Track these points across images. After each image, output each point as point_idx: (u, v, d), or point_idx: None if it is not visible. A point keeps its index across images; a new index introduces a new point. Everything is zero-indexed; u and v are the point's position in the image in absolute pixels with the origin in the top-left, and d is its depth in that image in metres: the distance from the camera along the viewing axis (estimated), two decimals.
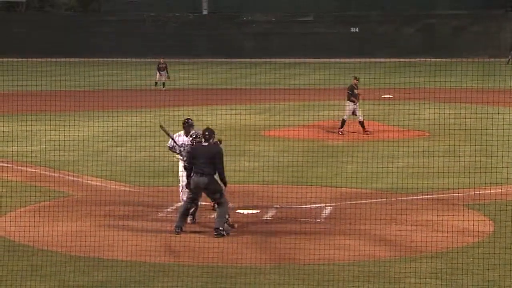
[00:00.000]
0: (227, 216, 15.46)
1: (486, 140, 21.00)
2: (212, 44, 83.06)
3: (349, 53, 76.48)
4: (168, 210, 17.34)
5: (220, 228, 15.14)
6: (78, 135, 25.75)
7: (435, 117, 23.27)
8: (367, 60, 60.33)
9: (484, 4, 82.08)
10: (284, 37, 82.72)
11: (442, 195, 18.62)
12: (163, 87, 48.24)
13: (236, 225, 15.80)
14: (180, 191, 16.88)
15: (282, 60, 74.33)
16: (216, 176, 15.31)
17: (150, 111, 33.27)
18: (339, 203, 17.98)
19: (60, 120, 26.16)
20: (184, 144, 16.64)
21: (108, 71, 48.46)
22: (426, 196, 18.48)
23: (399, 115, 23.31)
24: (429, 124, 24.71)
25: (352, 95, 28.72)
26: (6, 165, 22.58)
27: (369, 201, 18.10)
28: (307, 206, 17.53)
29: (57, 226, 15.50)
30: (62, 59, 70.95)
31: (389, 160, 22.00)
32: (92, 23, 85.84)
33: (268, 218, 16.71)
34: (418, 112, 23.02)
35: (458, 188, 18.86)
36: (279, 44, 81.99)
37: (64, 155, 22.59)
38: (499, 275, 12.90)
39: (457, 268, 13.17)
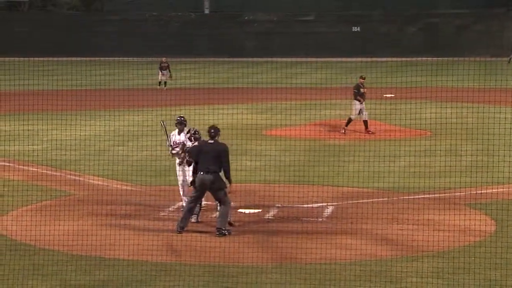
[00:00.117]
0: (229, 216, 15.46)
1: (488, 139, 20.99)
2: (214, 43, 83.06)
3: (351, 52, 76.50)
4: (170, 209, 17.35)
5: (222, 228, 15.13)
6: (80, 134, 25.75)
7: (437, 116, 23.23)
8: (369, 59, 60.31)
9: (486, 3, 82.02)
10: (285, 37, 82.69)
11: (443, 195, 18.61)
12: (165, 87, 48.24)
13: (236, 224, 15.79)
14: (180, 189, 16.91)
15: (284, 59, 74.32)
16: (221, 174, 15.27)
17: (152, 110, 33.29)
18: (341, 203, 17.98)
19: (61, 119, 26.18)
20: (178, 142, 16.67)
21: (110, 71, 48.44)
22: (428, 196, 18.47)
23: (400, 114, 23.28)
24: (430, 124, 24.67)
25: (358, 94, 28.71)
26: (8, 164, 22.59)
27: (371, 200, 18.10)
28: (308, 206, 17.52)
29: (59, 225, 15.51)
30: (64, 59, 71.13)
31: (391, 159, 21.98)
32: (94, 23, 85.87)
33: (269, 218, 16.71)
34: (420, 111, 22.98)
35: (460, 188, 18.85)
36: (281, 44, 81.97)
37: (65, 154, 22.60)
38: (501, 274, 12.90)
39: (459, 268, 13.16)
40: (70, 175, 21.17)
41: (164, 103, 31.95)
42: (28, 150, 24.05)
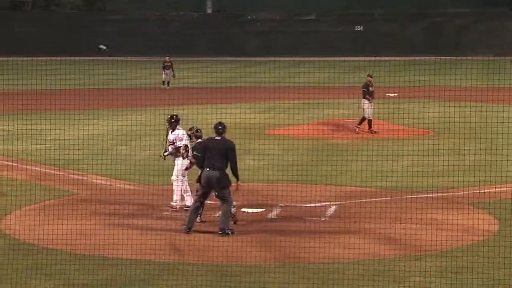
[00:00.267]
0: (232, 211, 15.44)
1: (491, 138, 20.96)
2: (216, 42, 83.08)
3: (353, 51, 76.43)
4: (173, 208, 17.33)
5: (226, 228, 15.11)
6: (83, 134, 25.77)
7: (440, 115, 23.22)
8: (371, 58, 60.20)
9: (488, 2, 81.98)
10: (288, 36, 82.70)
11: (447, 194, 18.60)
12: (168, 86, 48.24)
13: (239, 223, 15.77)
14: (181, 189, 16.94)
15: (286, 58, 74.28)
16: (227, 171, 15.19)
17: (155, 109, 33.23)
18: (344, 202, 17.97)
19: (64, 119, 26.16)
20: (170, 141, 16.73)
21: (113, 70, 48.48)
22: (431, 195, 18.45)
23: (403, 113, 23.28)
24: (433, 123, 24.66)
25: (367, 93, 28.70)
26: (11, 163, 22.61)
27: (374, 199, 18.09)
28: (311, 205, 17.51)
29: (62, 224, 15.50)
30: (67, 58, 71.03)
31: (394, 158, 21.95)
32: (96, 22, 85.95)
33: (272, 217, 16.70)
34: (422, 110, 22.98)
35: (463, 187, 18.83)
36: (283, 43, 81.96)
37: (68, 154, 22.60)
38: (504, 273, 12.88)
39: (462, 267, 13.15)
40: (73, 174, 21.19)
41: (167, 103, 31.95)
42: (31, 150, 24.06)
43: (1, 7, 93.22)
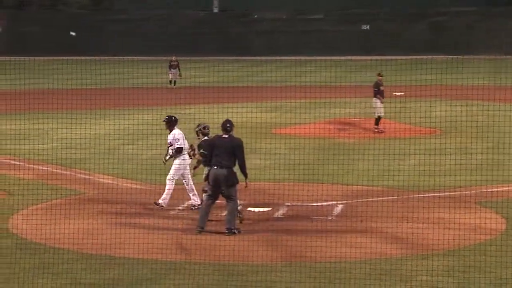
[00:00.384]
0: (237, 213, 15.42)
1: (498, 137, 20.91)
2: (222, 42, 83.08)
3: (359, 50, 76.33)
4: (180, 208, 17.35)
5: (232, 227, 15.08)
6: (90, 133, 25.79)
7: (447, 114, 23.19)
8: (378, 57, 60.16)
9: (493, 1, 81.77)
10: (294, 35, 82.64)
11: (454, 193, 18.56)
12: (174, 85, 48.25)
13: (245, 222, 15.74)
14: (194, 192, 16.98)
15: (292, 58, 74.20)
16: (234, 169, 15.14)
17: (161, 109, 33.25)
18: (350, 201, 17.95)
19: (71, 118, 26.24)
20: (168, 142, 16.82)
21: (119, 69, 48.48)
22: (438, 194, 18.43)
23: (410, 112, 23.23)
24: (440, 122, 24.60)
25: (378, 92, 28.68)
26: (18, 163, 22.63)
27: (381, 198, 18.06)
28: (318, 204, 17.49)
29: (69, 224, 15.53)
30: (73, 57, 71.07)
31: (401, 157, 21.92)
32: (103, 22, 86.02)
33: (279, 216, 16.69)
34: (429, 109, 22.94)
35: (470, 186, 18.79)
36: (289, 42, 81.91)
37: (75, 153, 22.64)
38: None
39: (470, 266, 13.12)
40: (80, 174, 21.21)
41: (174, 102, 31.98)
42: (38, 149, 24.08)
43: (8, 6, 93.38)
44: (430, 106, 22.45)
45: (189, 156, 16.78)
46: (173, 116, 17.56)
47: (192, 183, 17.19)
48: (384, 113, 28.78)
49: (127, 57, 70.67)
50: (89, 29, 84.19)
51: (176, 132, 17.25)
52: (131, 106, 32.42)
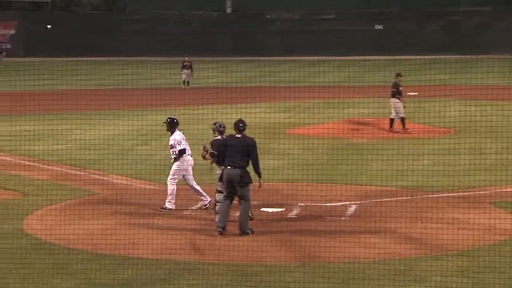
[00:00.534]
0: (250, 214, 15.42)
1: None
2: (236, 42, 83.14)
3: (373, 50, 76.19)
4: (193, 208, 17.37)
5: (246, 229, 15.06)
6: (103, 134, 25.88)
7: (460, 114, 23.07)
8: (391, 57, 59.97)
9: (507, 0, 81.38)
10: (307, 35, 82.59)
11: (467, 193, 18.49)
12: (187, 86, 48.33)
13: (253, 219, 15.72)
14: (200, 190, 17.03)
15: (306, 58, 74.18)
16: (248, 169, 15.11)
17: (175, 109, 33.30)
18: (364, 201, 17.91)
19: (85, 119, 26.34)
20: (170, 144, 16.93)
21: (133, 70, 48.59)
22: (452, 194, 18.36)
23: (424, 112, 23.18)
24: (454, 122, 24.50)
25: (397, 93, 28.62)
26: (32, 164, 22.74)
27: (394, 199, 18.00)
28: (331, 204, 17.47)
29: (83, 224, 15.58)
30: (87, 58, 71.45)
31: (414, 157, 21.86)
32: (117, 22, 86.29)
33: (292, 216, 16.67)
34: (443, 109, 22.85)
35: (484, 186, 18.72)
36: (303, 42, 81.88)
37: (89, 154, 22.71)
38: None
39: (484, 266, 13.06)
40: (94, 174, 21.27)
41: (187, 102, 32.01)
42: (52, 150, 24.15)
43: (21, 8, 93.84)
44: (444, 106, 22.33)
45: (202, 157, 16.73)
46: (175, 119, 17.57)
47: (194, 184, 17.19)
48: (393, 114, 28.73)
49: (140, 57, 70.85)
50: (102, 30, 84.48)
51: (177, 135, 17.28)
52: (144, 106, 32.48)
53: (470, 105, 27.74)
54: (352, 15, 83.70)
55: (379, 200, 17.98)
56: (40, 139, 24.04)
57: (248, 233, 15.07)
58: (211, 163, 16.30)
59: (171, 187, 17.14)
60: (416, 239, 14.83)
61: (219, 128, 16.08)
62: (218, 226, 15.12)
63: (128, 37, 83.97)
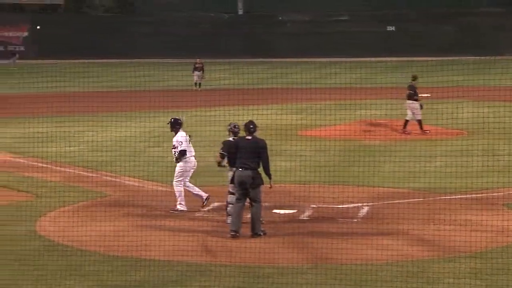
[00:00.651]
0: (262, 217, 15.38)
1: None
2: (247, 44, 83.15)
3: (385, 51, 76.01)
4: (205, 210, 17.36)
5: (258, 232, 15.03)
6: (115, 136, 25.91)
7: (474, 115, 22.96)
8: (404, 59, 59.87)
9: None
10: (319, 37, 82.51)
11: (480, 195, 18.40)
12: (199, 87, 48.38)
13: (263, 221, 15.69)
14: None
15: (317, 59, 74.10)
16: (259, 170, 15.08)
17: (187, 111, 33.35)
18: (376, 203, 17.86)
19: (97, 121, 26.36)
20: (173, 144, 16.94)
21: (145, 72, 48.71)
22: (465, 196, 18.28)
23: (436, 114, 23.08)
24: (467, 123, 24.38)
25: (414, 95, 28.57)
26: (45, 165, 22.80)
27: (407, 200, 17.94)
28: (344, 206, 17.42)
29: (95, 226, 15.61)
30: (99, 60, 71.63)
31: (427, 159, 21.79)
32: (128, 24, 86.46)
33: (304, 218, 16.64)
34: (456, 111, 22.75)
35: (497, 188, 18.63)
36: (314, 44, 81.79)
37: (101, 156, 22.74)
38: None
39: (497, 268, 12.99)
40: (106, 176, 21.30)
41: (199, 104, 32.05)
42: (65, 152, 24.24)
43: (34, 10, 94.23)
44: (457, 108, 22.23)
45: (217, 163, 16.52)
46: (179, 119, 17.56)
47: (190, 186, 17.25)
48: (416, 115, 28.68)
49: (151, 59, 70.97)
50: (114, 32, 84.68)
51: (180, 135, 17.30)
52: (156, 108, 32.51)
53: (483, 107, 27.64)
54: (364, 16, 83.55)
55: (392, 202, 17.92)
56: (52, 141, 24.09)
57: (260, 235, 15.04)
58: (219, 163, 16.18)
59: (178, 189, 17.15)
60: (428, 241, 14.78)
61: (233, 129, 15.99)
62: (232, 230, 15.07)
63: (140, 39, 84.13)
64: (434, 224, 15.77)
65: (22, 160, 23.62)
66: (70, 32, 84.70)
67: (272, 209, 16.97)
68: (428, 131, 28.30)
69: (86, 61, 69.39)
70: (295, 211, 17.08)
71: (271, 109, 31.30)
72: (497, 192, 18.50)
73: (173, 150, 17.37)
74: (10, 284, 12.57)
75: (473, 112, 24.14)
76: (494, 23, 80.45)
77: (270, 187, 15.23)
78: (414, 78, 29.07)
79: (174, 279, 12.77)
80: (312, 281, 12.59)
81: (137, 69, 47.24)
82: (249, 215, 15.42)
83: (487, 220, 15.73)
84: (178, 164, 17.26)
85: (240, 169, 14.98)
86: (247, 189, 15.04)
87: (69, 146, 25.16)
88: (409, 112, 28.75)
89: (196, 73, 49.38)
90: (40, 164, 22.98)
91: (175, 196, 17.20)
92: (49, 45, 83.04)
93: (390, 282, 12.46)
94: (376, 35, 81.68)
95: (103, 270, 13.16)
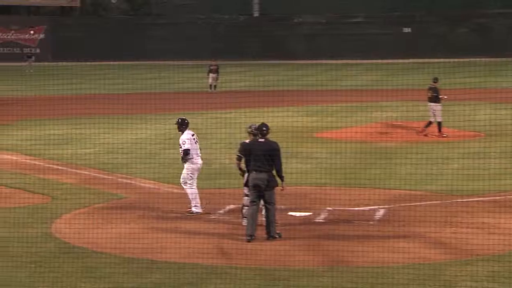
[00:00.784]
0: (276, 219, 15.31)
1: None
2: (263, 46, 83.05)
3: (401, 53, 75.70)
4: (221, 212, 17.33)
5: (274, 235, 14.97)
6: (131, 138, 25.97)
7: (491, 117, 22.87)
8: (420, 60, 59.55)
9: None
10: (335, 38, 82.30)
11: (498, 197, 18.27)
12: (214, 90, 48.39)
13: (278, 224, 15.63)
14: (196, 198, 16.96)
15: (333, 61, 73.95)
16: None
17: (202, 113, 33.38)
18: (392, 205, 17.75)
19: (113, 123, 26.41)
20: (180, 144, 16.97)
21: (160, 74, 48.79)
22: (482, 198, 18.14)
23: (453, 116, 22.97)
24: (484, 125, 24.30)
25: (437, 97, 28.44)
26: (60, 167, 22.85)
27: (423, 203, 17.84)
28: (359, 208, 17.35)
29: (111, 228, 15.61)
30: (115, 63, 71.80)
31: (444, 161, 21.67)
32: (144, 26, 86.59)
33: (320, 221, 16.57)
34: (473, 112, 22.69)
35: None
36: (330, 45, 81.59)
37: (117, 158, 22.78)
38: None
39: None
40: (121, 178, 21.31)
41: (214, 106, 32.05)
42: (80, 154, 24.30)
43: (50, 12, 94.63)
44: (474, 110, 22.15)
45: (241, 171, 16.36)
46: (185, 119, 17.55)
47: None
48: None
49: (166, 61, 71.06)
50: (129, 34, 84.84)
51: (185, 135, 17.29)
52: (171, 110, 32.52)
53: (501, 109, 27.51)
54: (380, 18, 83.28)
55: (408, 204, 17.81)
56: (68, 143, 24.20)
57: (275, 237, 14.99)
58: (240, 169, 16.08)
59: (191, 191, 17.11)
60: (445, 244, 14.68)
61: (253, 131, 15.87)
62: (247, 235, 15.00)
63: (155, 41, 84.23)
64: (451, 227, 15.67)
65: (38, 162, 23.68)
66: (86, 35, 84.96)
67: (288, 212, 16.92)
68: (446, 135, 28.10)
69: (102, 63, 69.59)
70: (310, 213, 17.01)
71: (287, 111, 31.23)
72: None
73: (180, 149, 17.37)
74: (26, 287, 12.59)
75: (490, 114, 24.03)
76: (510, 24, 79.96)
77: (282, 189, 15.17)
78: (436, 80, 28.89)
79: (190, 282, 12.74)
80: (328, 284, 12.54)
81: (152, 71, 47.27)
82: (263, 218, 15.38)
83: (504, 223, 15.62)
84: (185, 166, 17.23)
85: (255, 172, 14.93)
86: (262, 192, 14.98)
87: (85, 148, 25.21)
88: (432, 114, 28.55)
89: (211, 75, 49.37)
90: (56, 166, 23.04)
91: (189, 198, 17.16)
92: (65, 48, 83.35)
93: (406, 285, 12.39)
94: (392, 37, 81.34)
95: (118, 272, 13.13)
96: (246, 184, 15.32)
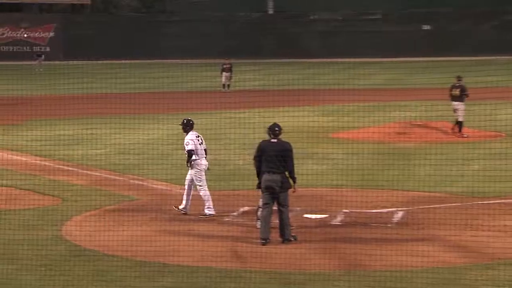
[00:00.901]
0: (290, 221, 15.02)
1: None
2: (278, 43, 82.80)
3: (420, 51, 75.04)
4: (234, 214, 17.11)
5: (289, 238, 14.73)
6: (143, 138, 25.78)
7: None
8: (440, 59, 59.14)
9: None
10: (352, 36, 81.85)
11: None
12: (228, 89, 48.14)
13: (293, 227, 15.35)
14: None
15: (350, 59, 73.57)
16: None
17: (215, 113, 33.12)
18: (411, 208, 17.53)
19: (124, 123, 26.23)
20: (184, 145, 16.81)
21: (173, 73, 48.61)
22: (503, 201, 17.89)
23: (473, 115, 22.61)
24: (506, 125, 23.94)
25: (465, 95, 28.11)
26: (71, 168, 22.71)
27: (443, 205, 17.62)
28: (377, 211, 17.13)
29: (122, 230, 15.44)
30: (127, 61, 71.74)
31: (464, 162, 21.41)
32: (156, 24, 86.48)
33: (336, 223, 16.36)
34: (494, 112, 22.31)
35: None
36: (347, 43, 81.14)
37: (128, 159, 22.62)
38: None
39: None
40: (133, 179, 21.13)
41: (228, 106, 31.80)
42: (91, 155, 24.14)
43: (60, 10, 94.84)
44: (495, 109, 21.78)
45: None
46: (190, 120, 17.38)
47: (187, 188, 17.00)
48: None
49: (179, 60, 70.90)
50: (141, 32, 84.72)
51: (189, 136, 17.10)
52: (184, 110, 32.26)
53: None
54: (398, 15, 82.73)
55: (427, 206, 17.60)
56: (79, 143, 24.01)
57: (290, 240, 14.73)
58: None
59: (204, 193, 16.92)
60: (465, 247, 14.45)
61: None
62: (261, 238, 14.77)
63: (168, 39, 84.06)
64: (471, 230, 15.44)
65: (48, 163, 23.55)
66: (97, 32, 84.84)
67: (303, 214, 16.73)
68: (466, 135, 27.68)
69: (113, 62, 69.52)
70: (326, 215, 16.79)
71: (302, 110, 30.92)
72: None
73: (184, 151, 17.17)
74: None
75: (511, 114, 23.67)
76: None
77: (294, 191, 14.90)
78: (460, 78, 28.48)
79: (203, 285, 12.56)
80: (344, 287, 12.24)
81: (165, 70, 47.12)
82: (276, 220, 15.06)
83: None
84: (190, 169, 16.99)
85: (268, 173, 14.63)
86: (276, 194, 14.68)
87: (96, 149, 25.04)
88: (460, 113, 28.16)
89: (225, 74, 49.15)
90: (66, 167, 22.90)
91: (203, 200, 16.93)
92: (76, 46, 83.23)
93: None
94: (411, 34, 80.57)
95: (130, 275, 12.96)
96: (258, 186, 14.96)
